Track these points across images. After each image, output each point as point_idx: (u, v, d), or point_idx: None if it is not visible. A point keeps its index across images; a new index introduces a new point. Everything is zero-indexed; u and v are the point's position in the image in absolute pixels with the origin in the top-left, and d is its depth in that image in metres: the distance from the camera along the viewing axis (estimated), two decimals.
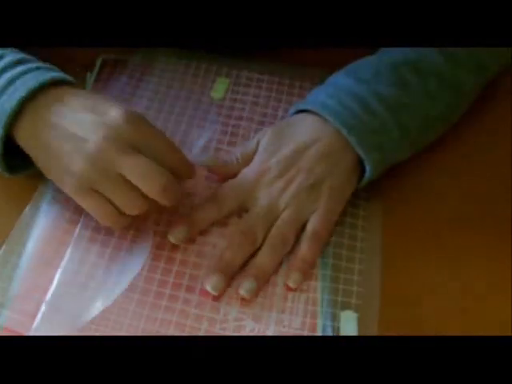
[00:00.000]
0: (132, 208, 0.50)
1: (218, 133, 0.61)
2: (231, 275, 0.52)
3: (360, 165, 0.55)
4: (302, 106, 0.58)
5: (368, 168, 0.54)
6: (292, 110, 0.59)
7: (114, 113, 0.50)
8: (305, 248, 0.53)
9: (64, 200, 0.55)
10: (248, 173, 0.55)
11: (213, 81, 0.66)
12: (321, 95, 0.57)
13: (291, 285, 0.52)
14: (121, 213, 0.50)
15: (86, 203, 0.50)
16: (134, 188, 0.49)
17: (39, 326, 0.49)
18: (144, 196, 0.49)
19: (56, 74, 0.53)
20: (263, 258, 0.52)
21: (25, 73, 0.52)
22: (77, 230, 0.54)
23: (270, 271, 0.52)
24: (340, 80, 0.58)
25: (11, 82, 0.52)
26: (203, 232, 0.54)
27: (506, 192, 0.58)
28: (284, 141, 0.56)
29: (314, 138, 0.55)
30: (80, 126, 0.49)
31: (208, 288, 0.51)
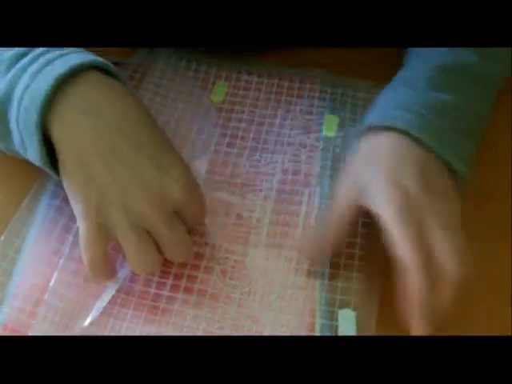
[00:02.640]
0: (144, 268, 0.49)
1: (217, 135, 0.61)
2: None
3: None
4: (375, 122, 0.53)
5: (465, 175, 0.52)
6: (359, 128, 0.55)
7: (175, 176, 0.47)
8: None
9: (64, 195, 0.54)
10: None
11: (213, 83, 0.66)
12: (389, 111, 0.53)
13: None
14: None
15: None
16: (155, 249, 0.48)
17: (39, 324, 0.49)
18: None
19: (100, 59, 0.50)
20: None
21: (65, 54, 0.48)
22: (76, 227, 0.53)
23: None
24: (399, 92, 0.55)
25: (49, 62, 0.48)
26: (201, 233, 0.54)
27: (508, 193, 0.58)
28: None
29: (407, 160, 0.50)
30: (135, 167, 0.47)
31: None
